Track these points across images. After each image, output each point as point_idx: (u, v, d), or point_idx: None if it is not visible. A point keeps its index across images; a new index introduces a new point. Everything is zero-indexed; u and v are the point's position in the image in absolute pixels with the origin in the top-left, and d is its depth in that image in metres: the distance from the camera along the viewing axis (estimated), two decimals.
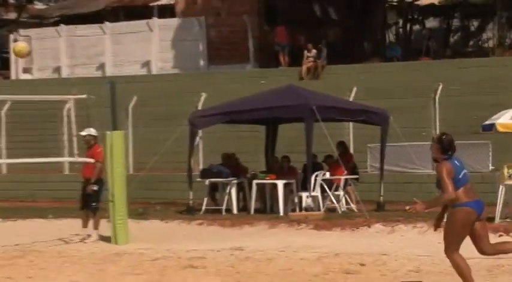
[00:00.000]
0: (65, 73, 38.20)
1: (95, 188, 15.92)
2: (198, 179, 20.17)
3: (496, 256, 9.98)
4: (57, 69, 38.68)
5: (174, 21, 37.79)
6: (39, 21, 45.35)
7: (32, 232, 17.09)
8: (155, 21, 37.98)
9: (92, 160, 16.03)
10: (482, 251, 9.56)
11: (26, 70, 39.30)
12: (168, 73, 35.77)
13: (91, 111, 17.19)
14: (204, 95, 24.93)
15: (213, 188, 20.18)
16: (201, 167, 22.23)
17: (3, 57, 41.45)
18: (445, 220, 9.54)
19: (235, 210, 19.38)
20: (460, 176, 9.33)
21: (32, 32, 40.19)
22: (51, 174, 25.69)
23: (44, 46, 38.91)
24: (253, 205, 19.32)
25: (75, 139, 18.20)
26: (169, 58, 37.18)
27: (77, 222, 16.33)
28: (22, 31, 40.32)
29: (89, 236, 15.88)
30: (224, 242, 14.75)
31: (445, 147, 9.44)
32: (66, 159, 22.81)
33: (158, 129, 24.99)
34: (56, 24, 41.38)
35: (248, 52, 35.53)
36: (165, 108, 28.05)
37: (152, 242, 15.10)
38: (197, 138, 21.15)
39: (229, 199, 19.50)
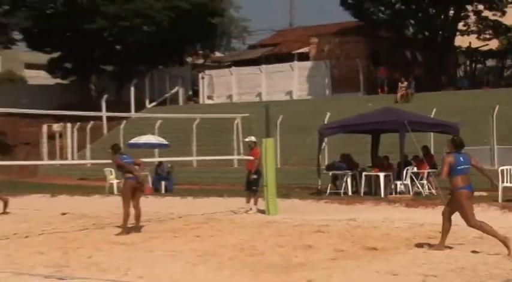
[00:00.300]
0: (234, 99, 38.73)
1: (255, 176, 16.06)
2: (324, 171, 20.08)
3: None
4: (230, 97, 39.20)
5: (308, 64, 37.80)
6: (218, 64, 46.28)
7: (213, 206, 17.36)
8: (295, 63, 38.09)
9: (252, 158, 16.20)
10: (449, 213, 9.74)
11: (209, 97, 40.04)
12: (304, 99, 35.72)
13: (252, 125, 17.42)
14: (328, 114, 24.86)
15: (335, 177, 20.03)
16: (326, 163, 22.12)
17: (194, 89, 42.51)
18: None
19: (350, 193, 19.19)
20: (459, 168, 9.31)
21: (213, 72, 41.18)
22: (226, 167, 26.04)
23: (221, 81, 39.68)
24: (362, 190, 19.09)
25: (241, 144, 18.46)
26: (305, 89, 37.18)
27: (243, 200, 16.48)
28: (207, 71, 41.31)
29: (250, 209, 16.03)
30: (342, 215, 14.63)
31: (456, 145, 9.46)
32: (235, 157, 23.19)
33: (297, 137, 24.94)
34: (229, 66, 42.11)
35: (359, 84, 35.21)
36: (302, 123, 27.99)
37: (293, 214, 15.10)
38: (324, 144, 21.05)
39: (346, 185, 19.32)
